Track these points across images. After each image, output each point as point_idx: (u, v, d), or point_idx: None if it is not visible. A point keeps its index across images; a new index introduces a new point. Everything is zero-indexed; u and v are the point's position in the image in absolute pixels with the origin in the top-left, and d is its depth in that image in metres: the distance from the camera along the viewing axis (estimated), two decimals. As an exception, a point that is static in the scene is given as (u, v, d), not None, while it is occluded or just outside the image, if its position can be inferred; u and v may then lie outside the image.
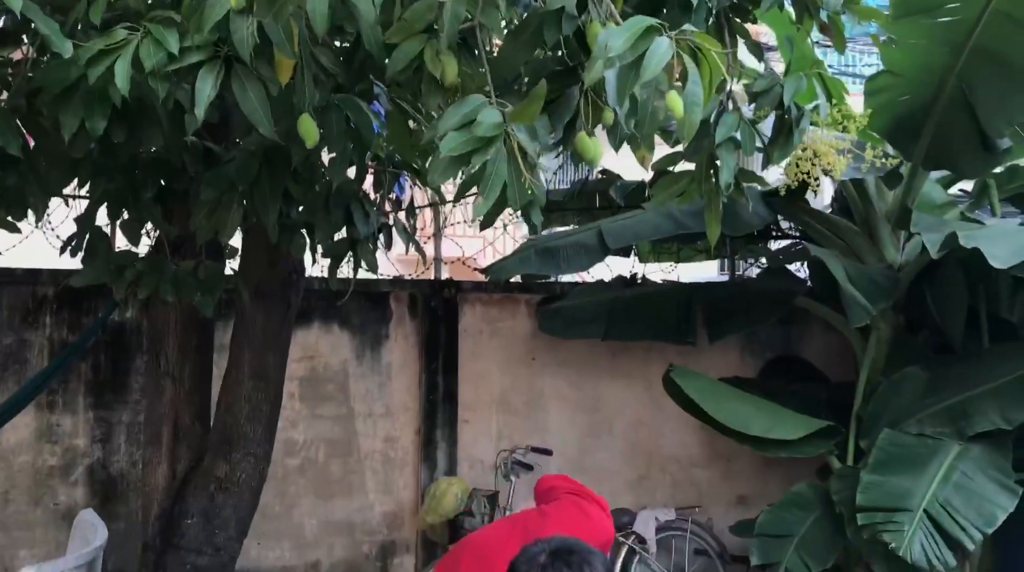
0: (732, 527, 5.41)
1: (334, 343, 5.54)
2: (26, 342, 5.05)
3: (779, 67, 3.16)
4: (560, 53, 2.37)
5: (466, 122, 2.03)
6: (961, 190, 5.79)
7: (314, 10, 1.77)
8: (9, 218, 2.84)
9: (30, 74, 2.38)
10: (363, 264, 3.44)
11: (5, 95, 2.46)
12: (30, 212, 2.98)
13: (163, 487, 3.90)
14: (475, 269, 5.98)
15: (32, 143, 2.56)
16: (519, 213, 2.37)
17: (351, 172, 2.83)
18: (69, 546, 4.54)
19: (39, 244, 5.08)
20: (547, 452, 5.45)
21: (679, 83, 2.11)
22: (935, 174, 5.38)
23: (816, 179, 3.61)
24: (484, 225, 2.61)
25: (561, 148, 2.49)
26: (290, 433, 5.37)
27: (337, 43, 2.67)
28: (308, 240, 3.17)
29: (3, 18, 2.21)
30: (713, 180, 2.82)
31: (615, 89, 2.06)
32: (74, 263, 3.77)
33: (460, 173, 2.12)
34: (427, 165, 2.72)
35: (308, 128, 2.23)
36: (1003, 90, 4.39)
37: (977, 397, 4.63)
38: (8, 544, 4.95)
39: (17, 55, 2.53)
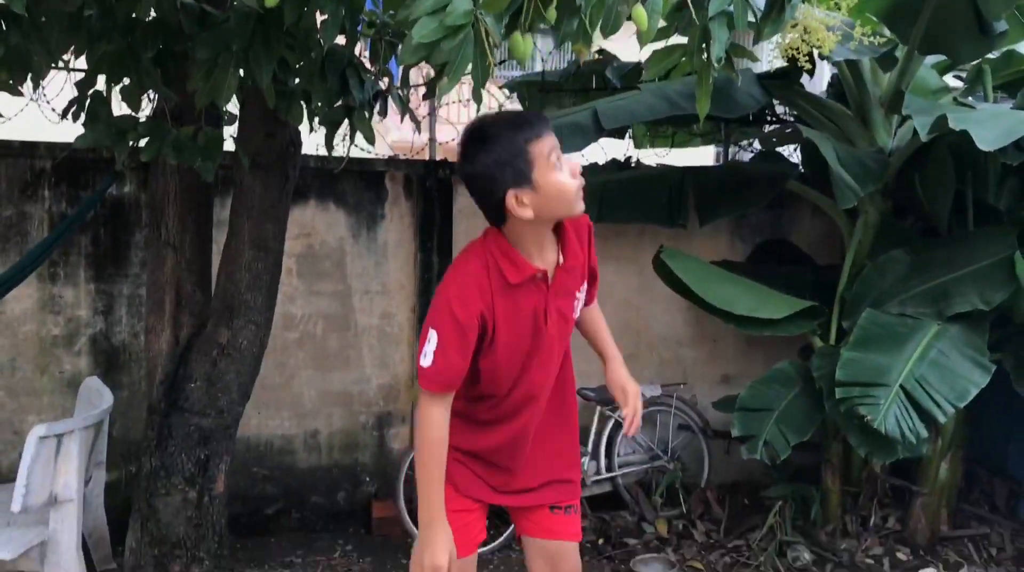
0: (715, 403, 5.60)
1: (331, 222, 5.61)
2: (26, 215, 5.11)
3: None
4: None
5: (438, 7, 2.09)
6: (956, 76, 5.79)
7: None
8: (11, 82, 2.87)
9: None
10: (359, 137, 3.49)
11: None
12: (30, 80, 3.01)
13: (167, 352, 4.04)
14: (470, 150, 6.00)
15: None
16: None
17: (343, 39, 2.86)
18: (76, 410, 4.73)
19: (35, 119, 5.10)
20: (538, 329, 5.58)
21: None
22: (930, 59, 5.38)
23: (806, 56, 3.62)
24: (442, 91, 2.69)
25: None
26: (288, 308, 5.50)
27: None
28: (305, 109, 3.21)
29: None
30: (705, 55, 2.85)
31: None
32: (72, 136, 3.81)
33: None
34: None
35: None
36: (1003, -30, 4.35)
37: (958, 279, 4.74)
38: (17, 409, 5.13)
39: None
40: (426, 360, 2.33)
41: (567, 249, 2.45)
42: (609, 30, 2.39)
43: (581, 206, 2.37)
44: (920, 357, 4.51)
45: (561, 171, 2.29)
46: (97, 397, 4.54)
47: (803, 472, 5.59)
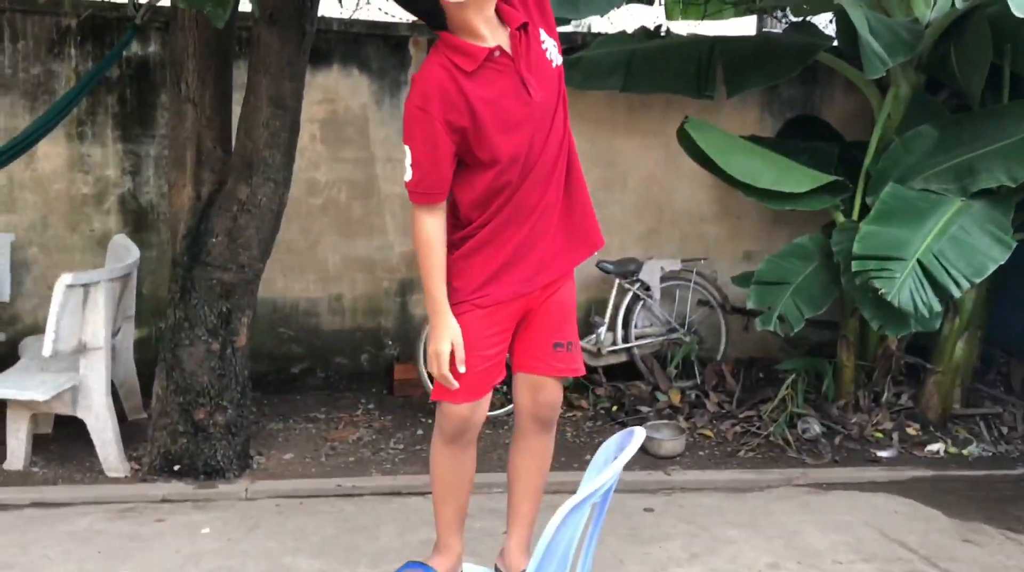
0: (734, 278, 5.62)
1: (354, 87, 5.60)
2: (53, 73, 5.16)
3: None
4: None
5: None
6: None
7: None
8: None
9: None
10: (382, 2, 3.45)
11: None
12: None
13: (188, 208, 4.12)
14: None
15: None
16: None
17: None
18: (105, 265, 4.86)
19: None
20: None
21: None
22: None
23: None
24: None
25: None
26: (312, 174, 5.55)
27: None
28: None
29: None
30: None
31: None
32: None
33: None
34: None
35: None
36: None
37: (985, 155, 4.65)
38: (50, 265, 5.29)
39: None
40: (407, 175, 2.51)
41: (505, 17, 2.53)
42: None
43: None
44: (940, 232, 4.47)
45: None
46: (125, 252, 4.67)
47: (819, 349, 5.65)
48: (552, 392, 2.82)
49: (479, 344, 2.67)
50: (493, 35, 2.48)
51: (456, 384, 2.62)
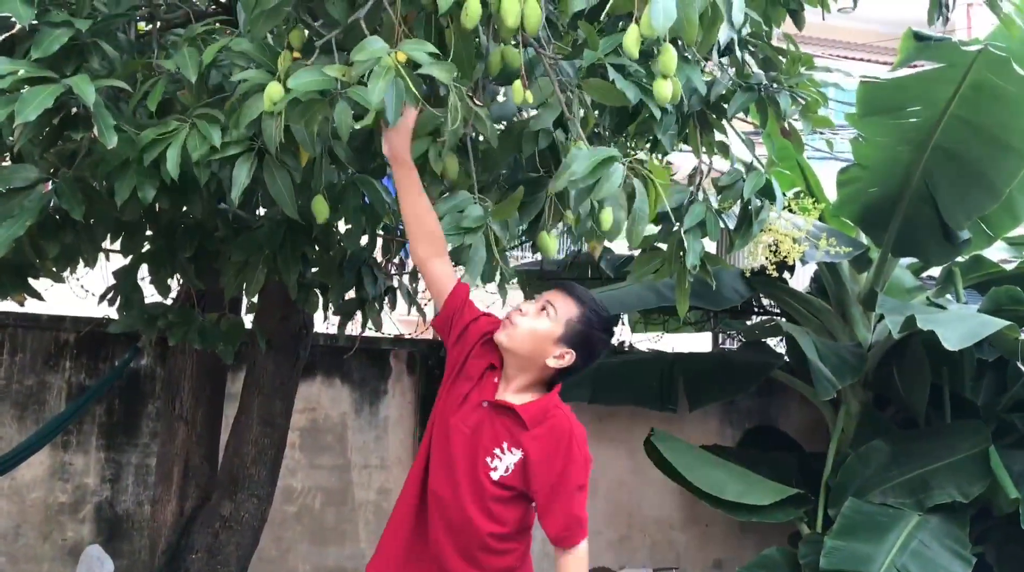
0: (706, 588, 5.66)
1: (335, 396, 5.84)
2: (46, 384, 5.36)
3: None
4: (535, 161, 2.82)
5: (454, 212, 2.45)
6: (930, 276, 6.15)
7: (340, 121, 2.15)
8: (55, 270, 3.19)
9: (88, 151, 2.71)
10: (369, 322, 3.79)
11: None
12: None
13: (171, 523, 4.17)
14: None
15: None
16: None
17: (364, 240, 3.19)
18: (76, 579, 4.81)
19: (59, 292, 5.44)
20: (532, 509, 5.70)
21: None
22: (906, 260, 5.75)
23: (773, 264, 3.97)
24: None
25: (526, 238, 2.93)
26: (289, 481, 5.64)
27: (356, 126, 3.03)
28: (321, 298, 3.52)
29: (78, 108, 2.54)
30: (681, 262, 3.17)
31: (574, 201, 2.48)
32: (95, 311, 4.10)
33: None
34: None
35: (320, 207, 2.60)
36: (961, 186, 4.78)
37: (936, 471, 4.94)
38: (16, 576, 5.21)
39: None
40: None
41: (521, 412, 2.49)
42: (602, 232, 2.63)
43: (499, 337, 2.52)
44: (902, 547, 4.63)
45: None
46: (98, 565, 4.64)
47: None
48: None
49: None
50: (502, 386, 2.53)
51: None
